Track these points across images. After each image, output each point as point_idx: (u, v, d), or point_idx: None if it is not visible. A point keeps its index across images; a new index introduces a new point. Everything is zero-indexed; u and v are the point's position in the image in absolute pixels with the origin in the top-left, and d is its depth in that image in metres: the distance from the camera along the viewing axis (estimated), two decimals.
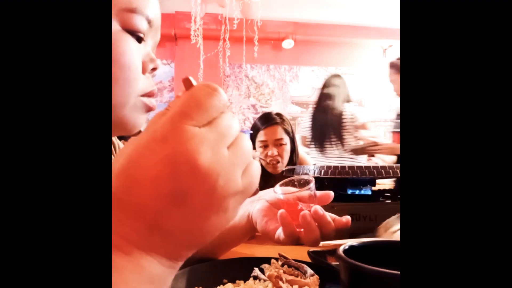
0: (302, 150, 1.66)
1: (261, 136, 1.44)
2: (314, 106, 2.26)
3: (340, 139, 2.11)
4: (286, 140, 1.45)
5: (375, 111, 3.70)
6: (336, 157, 2.14)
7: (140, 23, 0.39)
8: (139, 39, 0.40)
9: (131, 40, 0.38)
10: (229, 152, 0.22)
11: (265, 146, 1.43)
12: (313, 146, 2.21)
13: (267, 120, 1.46)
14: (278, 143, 1.43)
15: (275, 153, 1.42)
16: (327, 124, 2.11)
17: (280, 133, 1.43)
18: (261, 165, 1.40)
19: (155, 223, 0.21)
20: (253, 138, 1.49)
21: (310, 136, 2.22)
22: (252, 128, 1.50)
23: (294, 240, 0.44)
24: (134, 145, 0.22)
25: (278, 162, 1.41)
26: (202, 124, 0.22)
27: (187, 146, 0.20)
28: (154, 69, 0.43)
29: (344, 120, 2.09)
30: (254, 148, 1.48)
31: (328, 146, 2.15)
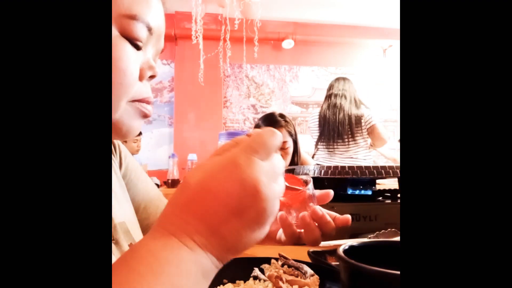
0: (303, 151, 1.66)
1: None
2: (323, 105, 2.21)
3: (353, 140, 2.10)
4: (290, 143, 1.45)
5: (375, 111, 3.70)
6: (344, 158, 2.13)
7: (139, 31, 0.38)
8: (138, 47, 0.39)
9: (129, 47, 0.38)
10: (275, 184, 0.28)
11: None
12: (321, 144, 2.18)
13: (271, 122, 1.46)
14: (282, 146, 1.44)
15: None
16: (339, 124, 2.09)
17: (284, 136, 1.44)
18: None
19: (217, 228, 0.26)
20: None
21: (318, 134, 2.19)
22: (255, 129, 1.50)
23: (295, 240, 0.44)
24: (211, 164, 0.28)
25: None
26: (264, 158, 0.28)
27: (254, 174, 0.27)
28: (152, 76, 0.42)
29: (357, 121, 2.08)
30: None
31: (337, 145, 2.14)
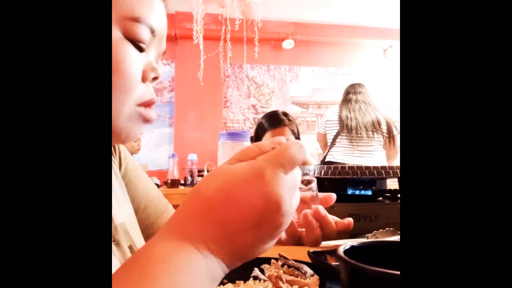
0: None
1: (268, 136, 1.44)
2: (343, 105, 2.27)
3: (371, 140, 2.15)
4: None
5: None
6: (363, 153, 2.16)
7: (142, 33, 0.38)
8: (141, 48, 0.39)
9: (132, 49, 0.38)
10: (293, 199, 0.29)
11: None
12: (340, 139, 2.20)
13: (275, 121, 1.47)
14: None
15: None
16: (363, 125, 2.15)
17: (288, 135, 1.45)
18: None
19: (233, 237, 0.26)
20: (258, 136, 1.49)
21: (336, 130, 2.21)
22: (258, 128, 1.51)
23: (295, 239, 0.44)
24: (234, 171, 0.27)
25: None
26: (288, 172, 0.28)
27: (279, 191, 0.26)
28: (155, 78, 0.42)
29: (375, 126, 2.13)
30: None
31: (359, 143, 2.17)
